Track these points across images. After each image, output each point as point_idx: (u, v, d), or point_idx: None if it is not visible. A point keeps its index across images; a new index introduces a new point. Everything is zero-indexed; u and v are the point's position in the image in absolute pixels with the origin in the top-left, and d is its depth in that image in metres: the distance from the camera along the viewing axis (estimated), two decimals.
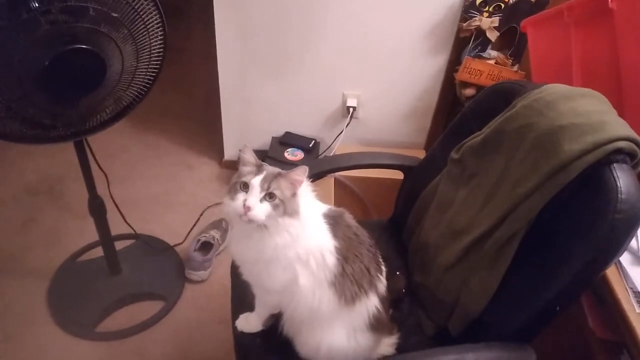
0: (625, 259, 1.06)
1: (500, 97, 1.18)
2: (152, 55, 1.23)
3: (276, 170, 0.97)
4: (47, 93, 1.10)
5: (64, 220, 2.14)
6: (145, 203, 2.25)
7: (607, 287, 1.03)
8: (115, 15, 1.09)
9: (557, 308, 0.93)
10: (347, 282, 1.03)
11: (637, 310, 0.98)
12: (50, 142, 1.23)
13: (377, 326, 1.09)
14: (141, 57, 1.20)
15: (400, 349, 1.17)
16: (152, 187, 2.34)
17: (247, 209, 0.91)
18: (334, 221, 1.05)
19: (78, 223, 2.10)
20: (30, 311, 1.80)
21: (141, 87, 1.28)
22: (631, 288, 1.02)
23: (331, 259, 1.01)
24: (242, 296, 1.25)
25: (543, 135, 0.98)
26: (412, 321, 1.26)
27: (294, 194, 0.96)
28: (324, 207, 1.08)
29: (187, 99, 2.87)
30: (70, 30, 1.06)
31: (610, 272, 1.05)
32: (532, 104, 1.04)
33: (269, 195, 0.93)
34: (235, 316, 1.24)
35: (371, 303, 1.06)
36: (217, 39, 2.02)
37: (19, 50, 1.02)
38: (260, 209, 0.92)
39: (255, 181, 0.92)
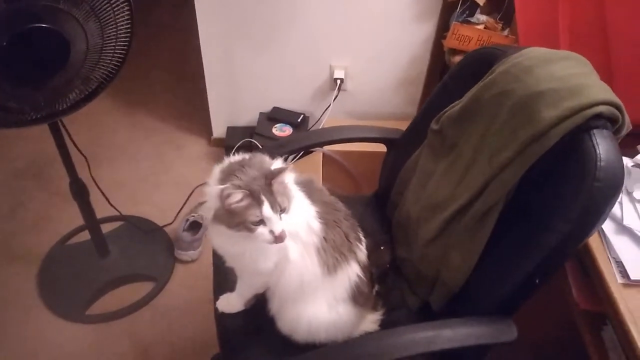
0: (608, 227, 1.03)
1: (481, 63, 1.13)
2: (118, 33, 1.18)
3: (262, 183, 0.90)
4: (8, 75, 1.06)
5: (53, 204, 2.12)
6: (134, 184, 2.23)
7: (589, 257, 1.01)
8: None
9: (537, 281, 0.90)
10: (330, 249, 1.02)
11: (619, 281, 0.96)
12: (19, 126, 1.19)
13: (359, 298, 1.07)
14: (107, 34, 1.16)
15: (384, 323, 1.16)
16: (141, 168, 2.31)
17: (279, 239, 0.91)
18: (306, 188, 1.03)
19: (67, 207, 2.07)
20: (20, 295, 1.80)
21: (111, 66, 1.24)
22: (614, 258, 0.99)
23: (315, 223, 1.01)
24: (224, 277, 1.24)
25: (520, 102, 0.93)
26: (396, 296, 1.24)
27: (286, 190, 0.95)
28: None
29: (174, 77, 2.82)
30: (28, 8, 1.02)
31: (593, 241, 1.02)
32: (509, 69, 0.99)
33: (282, 211, 0.92)
34: (216, 297, 1.22)
35: (352, 271, 1.05)
36: (197, 14, 1.96)
37: None
38: (285, 225, 0.92)
39: (268, 213, 0.89)
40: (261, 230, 0.90)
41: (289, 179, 0.97)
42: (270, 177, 0.91)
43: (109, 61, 1.22)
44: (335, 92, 2.13)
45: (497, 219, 0.98)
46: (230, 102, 2.26)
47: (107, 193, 1.84)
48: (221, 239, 1.00)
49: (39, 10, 1.03)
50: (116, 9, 1.14)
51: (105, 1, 1.11)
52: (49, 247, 1.95)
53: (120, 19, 1.16)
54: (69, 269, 1.86)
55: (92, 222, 1.72)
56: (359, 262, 1.06)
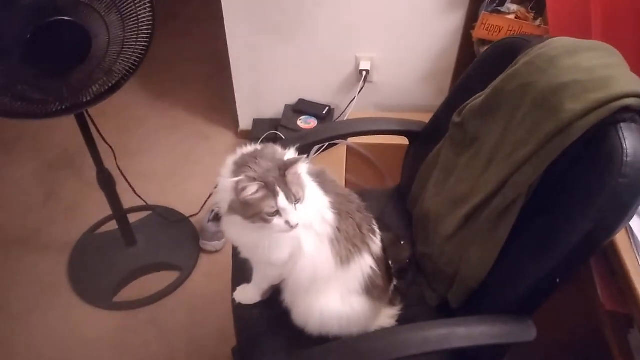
0: (636, 225, 0.98)
1: (505, 54, 1.10)
2: (140, 25, 1.19)
3: (277, 174, 0.90)
4: (33, 67, 1.09)
5: (84, 194, 2.17)
6: (162, 174, 2.26)
7: (616, 256, 0.96)
8: None
9: (557, 280, 0.87)
10: (343, 240, 1.01)
11: None
12: (43, 117, 1.23)
13: (373, 291, 1.06)
14: (128, 26, 1.17)
15: (402, 319, 1.14)
16: (169, 159, 2.35)
17: (294, 226, 0.91)
18: (319, 178, 1.02)
19: (97, 196, 2.09)
20: (52, 282, 1.86)
21: (134, 58, 1.26)
22: None
23: (329, 214, 1.00)
24: (242, 268, 1.24)
25: (543, 94, 0.90)
26: (415, 291, 1.22)
27: (300, 180, 0.94)
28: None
29: (202, 69, 2.84)
30: (51, 2, 1.04)
31: (620, 239, 0.97)
32: (533, 60, 0.95)
33: (297, 201, 0.91)
34: (234, 288, 1.23)
35: (366, 263, 1.03)
36: (223, 6, 1.97)
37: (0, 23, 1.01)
38: (300, 216, 0.91)
39: (283, 203, 0.89)
40: (277, 221, 0.90)
41: (302, 169, 0.96)
42: (284, 167, 0.90)
43: (131, 54, 1.24)
44: (361, 83, 2.11)
45: (519, 215, 0.95)
46: (256, 94, 2.27)
47: (134, 183, 1.87)
48: (235, 230, 0.99)
49: (61, 4, 1.05)
50: (137, 2, 1.15)
51: None
52: (79, 235, 2.01)
53: (142, 12, 1.18)
54: (98, 257, 1.91)
55: (119, 211, 1.76)
56: (372, 255, 1.04)
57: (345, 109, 2.18)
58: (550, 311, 0.96)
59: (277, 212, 0.89)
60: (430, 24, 1.96)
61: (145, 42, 1.24)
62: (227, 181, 0.92)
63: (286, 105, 2.23)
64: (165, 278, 1.87)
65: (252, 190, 0.87)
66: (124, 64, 1.25)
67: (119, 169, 1.74)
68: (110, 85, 1.27)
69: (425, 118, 1.43)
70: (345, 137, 1.37)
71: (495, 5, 1.77)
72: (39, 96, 1.15)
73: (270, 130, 2.18)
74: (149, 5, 1.18)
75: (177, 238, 1.99)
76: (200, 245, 1.96)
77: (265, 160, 0.91)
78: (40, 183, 2.24)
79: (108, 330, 1.73)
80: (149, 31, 1.23)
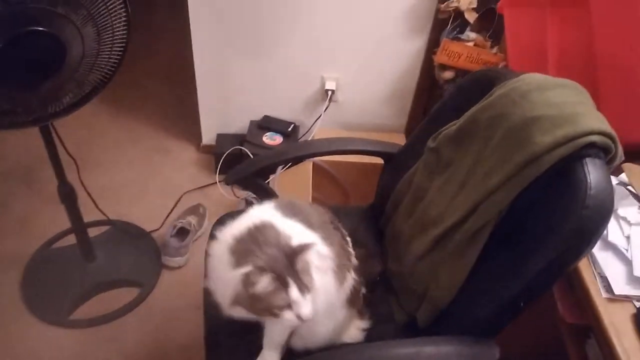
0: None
1: (481, 84, 1.14)
2: (115, 37, 1.18)
3: (283, 258, 0.85)
4: (3, 77, 1.06)
5: (38, 207, 2.09)
6: (122, 188, 2.21)
7: (575, 272, 1.03)
8: None
9: (522, 304, 0.92)
10: (338, 265, 1.01)
11: (603, 295, 0.98)
12: (10, 128, 1.19)
13: (352, 301, 1.08)
14: (103, 39, 1.16)
15: (370, 336, 1.16)
16: (129, 173, 2.30)
17: (306, 319, 0.86)
18: (297, 214, 1.00)
19: (53, 209, 2.05)
20: (3, 299, 1.77)
21: (106, 70, 1.24)
22: (598, 273, 1.02)
23: (324, 249, 1.00)
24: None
25: (516, 126, 0.95)
26: (384, 309, 1.24)
27: (309, 269, 0.90)
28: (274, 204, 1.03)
29: (164, 83, 2.81)
30: (24, 11, 1.02)
31: None
32: (508, 93, 1.01)
33: (308, 291, 0.87)
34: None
35: (351, 276, 1.05)
36: (190, 20, 1.97)
37: None
38: (311, 306, 0.87)
39: (296, 295, 0.84)
40: (288, 315, 0.85)
41: (312, 256, 0.91)
42: (293, 255, 0.86)
43: (104, 66, 1.22)
44: (327, 102, 2.15)
45: (487, 240, 0.99)
46: (220, 110, 2.26)
47: (94, 197, 1.83)
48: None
49: (36, 14, 1.03)
50: (113, 14, 1.14)
51: (103, 6, 1.11)
52: (33, 250, 1.93)
53: (117, 24, 1.17)
54: (54, 273, 1.84)
55: (79, 226, 1.71)
56: (354, 268, 1.06)
57: (311, 127, 2.21)
58: (514, 323, 1.01)
59: (289, 306, 0.85)
60: (393, 48, 2.04)
61: (119, 54, 1.23)
62: (232, 274, 0.83)
63: (251, 121, 2.25)
64: (126, 295, 1.82)
65: (264, 284, 0.81)
66: (96, 75, 1.23)
67: (82, 182, 1.69)
68: (80, 96, 1.25)
69: (387, 137, 1.48)
70: (327, 154, 1.39)
71: (455, 32, 1.85)
72: (7, 106, 1.12)
73: (234, 146, 2.18)
74: (124, 18, 1.18)
75: (138, 254, 1.94)
76: (162, 261, 1.93)
77: (269, 246, 0.86)
78: None
79: (65, 349, 1.66)
80: (122, 44, 1.22)
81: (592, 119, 0.89)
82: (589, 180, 0.83)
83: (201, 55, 2.07)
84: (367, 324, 1.16)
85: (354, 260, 1.08)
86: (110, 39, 1.18)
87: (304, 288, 0.86)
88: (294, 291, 0.84)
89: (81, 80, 1.20)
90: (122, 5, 1.15)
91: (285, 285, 0.84)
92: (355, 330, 1.13)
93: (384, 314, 1.22)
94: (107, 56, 1.21)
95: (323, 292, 0.98)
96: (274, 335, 1.04)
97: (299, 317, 0.85)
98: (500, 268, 0.95)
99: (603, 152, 0.88)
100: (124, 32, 1.20)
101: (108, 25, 1.15)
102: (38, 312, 1.74)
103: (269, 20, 1.98)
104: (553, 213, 0.87)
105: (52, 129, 1.40)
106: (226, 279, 0.85)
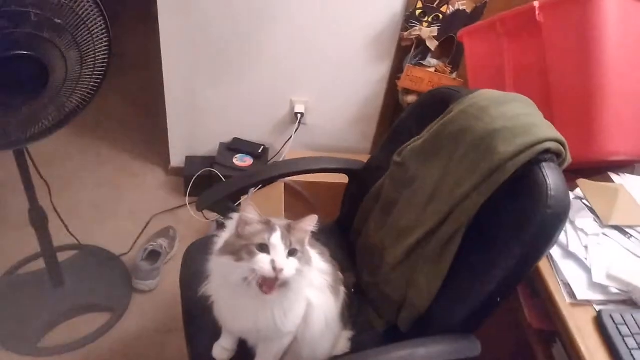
0: (555, 253, 1.14)
1: (438, 101, 1.24)
2: (96, 62, 1.21)
3: (284, 222, 0.94)
4: None
5: (1, 233, 2.04)
6: (89, 212, 2.18)
7: (540, 280, 1.11)
8: (59, 21, 1.07)
9: (498, 299, 0.99)
10: (333, 280, 1.08)
11: (567, 301, 1.06)
12: None
13: (343, 314, 1.14)
14: (85, 63, 1.18)
15: (354, 346, 1.21)
16: (95, 196, 2.28)
17: (279, 270, 0.87)
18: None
19: (15, 235, 2.01)
20: None
21: (85, 93, 1.26)
22: (562, 280, 1.10)
23: (322, 265, 1.05)
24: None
25: (479, 138, 1.04)
26: (363, 319, 1.29)
27: (304, 244, 0.95)
28: None
29: (129, 105, 2.81)
30: (9, 35, 1.04)
31: (543, 265, 1.12)
32: (467, 109, 1.10)
33: (292, 252, 0.90)
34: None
35: (342, 290, 1.12)
36: (161, 44, 2.00)
37: None
38: (291, 266, 0.89)
39: (276, 240, 0.88)
40: (262, 257, 0.87)
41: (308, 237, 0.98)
42: (293, 223, 0.94)
43: (84, 89, 1.24)
44: (296, 125, 2.21)
45: (460, 243, 1.07)
46: (189, 132, 2.29)
47: (57, 222, 1.80)
48: (252, 316, 0.97)
49: (22, 38, 1.04)
50: (96, 40, 1.17)
51: (87, 32, 1.14)
52: None
53: (99, 49, 1.20)
54: (20, 299, 1.79)
55: (49, 250, 1.68)
56: (343, 283, 1.12)
57: (281, 149, 2.26)
58: (483, 331, 1.08)
59: (266, 249, 0.89)
60: (359, 73, 2.13)
61: (99, 78, 1.26)
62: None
63: (221, 144, 2.28)
64: (97, 319, 1.79)
65: (251, 212, 0.90)
66: (76, 99, 1.24)
67: (54, 206, 1.67)
68: (58, 120, 1.26)
69: (354, 158, 1.55)
70: (297, 174, 1.45)
71: (418, 59, 1.97)
72: None
73: (204, 168, 2.20)
74: (106, 44, 1.21)
75: (108, 278, 1.92)
76: (133, 284, 1.91)
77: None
78: None
79: None
80: (103, 69, 1.24)
81: (545, 128, 1.00)
82: (548, 182, 0.93)
83: (171, 78, 2.10)
84: (351, 333, 1.20)
85: (340, 275, 1.13)
86: (92, 63, 1.20)
87: (288, 243, 0.89)
88: (275, 236, 0.88)
89: (62, 104, 1.21)
90: (104, 32, 1.18)
91: (270, 230, 0.89)
92: (343, 340, 1.17)
93: (363, 323, 1.27)
94: (88, 80, 1.23)
95: (323, 308, 1.03)
96: (268, 356, 1.07)
97: (273, 264, 0.87)
98: (474, 268, 1.03)
99: (556, 156, 0.99)
100: (105, 57, 1.22)
101: (91, 50, 1.18)
102: (4, 340, 1.68)
103: (239, 45, 2.04)
104: (518, 213, 0.96)
105: (26, 152, 1.40)
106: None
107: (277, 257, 0.88)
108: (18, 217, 2.02)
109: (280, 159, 2.25)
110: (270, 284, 0.89)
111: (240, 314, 0.99)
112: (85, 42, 1.15)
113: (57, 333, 1.74)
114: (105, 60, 1.23)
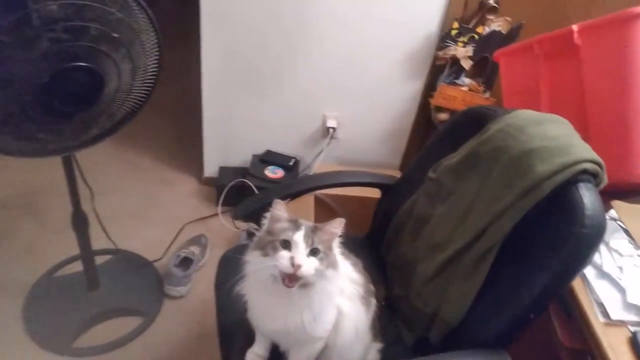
0: (589, 272, 1.15)
1: (474, 120, 1.27)
2: (146, 75, 1.27)
3: (311, 223, 0.97)
4: (46, 108, 1.13)
5: (39, 235, 2.12)
6: (124, 218, 2.25)
7: (574, 299, 1.11)
8: (116, 35, 1.13)
9: (531, 316, 1.00)
10: (365, 291, 1.10)
11: (600, 320, 1.06)
12: (38, 156, 1.25)
13: (374, 325, 1.16)
14: (137, 75, 1.24)
15: (383, 358, 1.23)
16: (130, 203, 2.35)
17: (297, 267, 0.90)
18: None
19: (55, 238, 2.09)
20: (5, 328, 1.77)
21: (134, 103, 1.32)
22: (595, 300, 1.10)
23: (355, 275, 1.08)
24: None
25: (516, 157, 1.06)
26: (392, 332, 1.31)
27: (330, 247, 0.97)
28: None
29: (166, 115, 2.89)
30: (70, 48, 1.10)
31: (577, 285, 1.13)
32: (504, 128, 1.13)
33: (313, 251, 0.92)
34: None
35: (373, 302, 1.15)
36: (202, 57, 2.08)
37: (20, 67, 1.05)
38: (309, 265, 0.91)
39: (298, 237, 0.91)
40: (283, 253, 0.91)
41: (336, 245, 1.01)
42: (320, 225, 0.96)
43: (134, 100, 1.30)
44: (328, 139, 2.25)
45: (494, 259, 1.08)
46: (224, 143, 2.35)
47: (96, 226, 1.86)
48: (280, 314, 0.99)
49: (81, 50, 1.11)
50: (148, 53, 1.23)
51: (140, 47, 1.20)
52: (34, 278, 1.94)
53: (150, 63, 1.26)
54: (57, 301, 1.85)
55: (88, 253, 1.74)
56: (374, 295, 1.15)
57: (312, 162, 2.30)
58: (515, 347, 1.09)
59: (289, 246, 0.92)
60: (393, 90, 2.17)
61: (148, 89, 1.31)
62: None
63: (254, 155, 2.33)
64: (129, 323, 1.84)
65: (279, 209, 0.95)
66: (126, 109, 1.30)
67: (95, 211, 1.74)
68: (108, 128, 1.32)
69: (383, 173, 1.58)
70: (331, 187, 1.48)
71: (452, 77, 1.99)
72: (42, 136, 1.18)
73: (236, 179, 2.26)
74: (156, 57, 1.27)
75: (141, 283, 1.97)
76: (164, 290, 1.96)
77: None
78: None
79: None
80: (152, 81, 1.30)
81: (583, 149, 1.02)
82: (585, 202, 0.94)
83: (209, 90, 2.17)
84: (380, 345, 1.22)
85: (372, 287, 1.16)
86: (143, 75, 1.26)
87: (310, 242, 0.92)
88: (299, 235, 0.92)
89: (112, 113, 1.27)
90: (156, 47, 1.24)
91: (295, 227, 0.93)
92: (373, 352, 1.19)
93: (392, 336, 1.29)
94: (138, 91, 1.29)
95: (353, 317, 1.05)
96: None
97: (292, 260, 0.90)
98: (507, 284, 1.04)
99: (593, 177, 1.00)
100: (155, 69, 1.28)
101: (142, 63, 1.24)
102: (40, 340, 1.74)
103: (275, 61, 2.10)
104: (554, 232, 0.97)
105: (73, 159, 1.46)
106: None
107: (296, 254, 0.91)
108: (58, 220, 2.10)
109: (311, 172, 2.29)
110: (292, 278, 0.92)
111: (271, 313, 1.01)
112: (138, 55, 1.21)
113: (91, 335, 1.79)
114: (155, 72, 1.29)
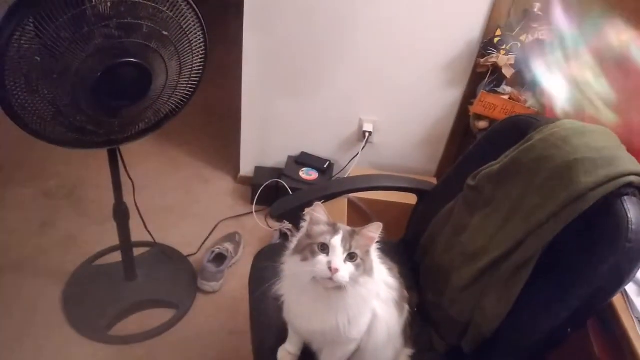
0: (630, 289, 1.12)
1: (516, 128, 1.26)
2: (192, 72, 1.31)
3: (349, 228, 0.97)
4: (97, 101, 1.17)
5: (81, 225, 2.19)
6: (161, 213, 2.30)
7: (614, 315, 1.09)
8: (165, 33, 1.17)
9: (569, 330, 0.98)
10: (399, 297, 1.11)
11: None
12: (88, 148, 1.30)
13: (405, 330, 1.16)
14: (183, 72, 1.28)
15: None
16: (168, 198, 2.40)
17: (334, 270, 0.90)
18: None
19: (95, 228, 2.16)
20: (45, 312, 1.84)
21: (179, 100, 1.36)
22: (637, 317, 1.08)
23: (390, 280, 1.09)
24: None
25: (560, 167, 1.05)
26: (424, 339, 1.30)
27: (367, 252, 0.97)
28: None
29: (205, 114, 2.95)
30: (122, 44, 1.14)
31: (617, 301, 1.10)
32: (548, 137, 1.11)
33: (350, 256, 0.93)
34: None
35: (406, 307, 1.15)
36: (243, 59, 2.11)
37: (75, 61, 1.10)
38: (346, 270, 0.92)
39: (336, 242, 0.92)
40: (321, 257, 0.92)
41: (374, 250, 1.01)
42: (358, 230, 0.97)
43: (179, 96, 1.34)
44: (363, 143, 2.26)
45: (532, 270, 1.07)
46: (260, 143, 2.38)
47: (135, 218, 1.91)
48: (316, 314, 1.00)
49: (132, 47, 1.15)
50: (195, 52, 1.27)
51: (188, 45, 1.24)
52: (74, 266, 2.00)
53: (196, 60, 1.29)
54: (95, 289, 1.91)
55: (127, 244, 1.79)
56: (407, 301, 1.15)
57: (347, 165, 2.31)
58: None
59: (326, 250, 0.93)
60: (432, 96, 2.16)
61: (193, 86, 1.35)
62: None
63: (289, 157, 2.35)
64: (162, 315, 1.88)
65: (319, 212, 0.95)
66: (171, 104, 1.34)
67: (136, 204, 1.79)
68: (153, 123, 1.36)
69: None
70: (368, 190, 1.49)
71: (492, 85, 1.97)
72: (92, 128, 1.23)
73: (271, 178, 2.29)
74: (202, 56, 1.30)
75: (176, 276, 2.02)
76: (198, 284, 1.99)
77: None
78: (38, 210, 2.24)
79: None
80: (197, 78, 1.34)
81: (628, 162, 1.00)
82: (630, 216, 0.92)
83: (249, 92, 2.21)
84: (412, 351, 1.22)
85: (405, 294, 1.15)
86: (189, 73, 1.30)
87: (347, 246, 0.92)
88: (336, 239, 0.92)
89: (158, 109, 1.31)
90: (202, 45, 1.27)
91: (334, 231, 0.94)
92: (404, 358, 1.19)
93: (424, 343, 1.28)
94: (184, 88, 1.32)
95: (387, 321, 1.06)
96: None
97: (329, 264, 0.91)
98: (545, 298, 1.03)
99: (638, 190, 0.98)
100: (201, 68, 1.32)
101: (189, 61, 1.27)
102: (78, 326, 1.80)
103: (314, 64, 2.12)
104: (596, 245, 0.95)
105: (119, 152, 1.51)
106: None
107: (333, 259, 0.91)
108: (99, 211, 2.17)
109: (345, 176, 2.30)
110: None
111: (307, 314, 1.03)
112: (186, 53, 1.25)
113: (127, 324, 1.84)
114: (200, 70, 1.33)
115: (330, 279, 0.91)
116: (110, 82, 1.16)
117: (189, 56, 1.26)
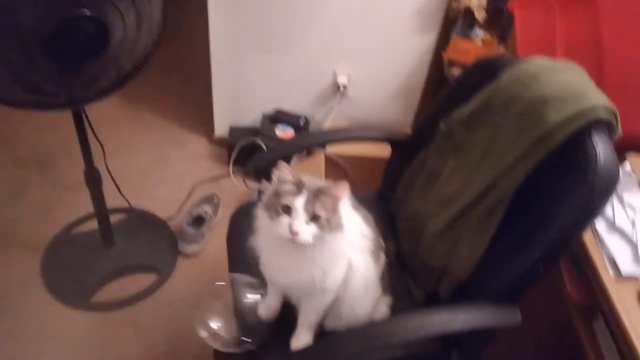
0: (601, 227, 1.14)
1: (486, 70, 1.22)
2: (152, 26, 1.25)
3: (315, 185, 0.94)
4: (52, 59, 1.12)
5: (54, 194, 2.15)
6: (136, 177, 2.26)
7: (585, 254, 1.10)
8: None
9: (541, 268, 0.99)
10: (374, 245, 1.10)
11: (611, 275, 1.06)
12: (49, 109, 1.25)
13: (383, 278, 1.16)
14: (142, 25, 1.22)
15: (393, 313, 1.23)
16: (142, 162, 2.36)
17: (294, 233, 0.90)
18: None
19: (69, 196, 2.12)
20: (24, 283, 1.82)
21: (141, 56, 1.31)
22: (607, 255, 1.09)
23: (365, 228, 1.08)
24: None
25: (529, 105, 1.03)
26: (401, 288, 1.31)
27: (335, 209, 0.95)
28: None
29: (176, 75, 2.87)
30: None
31: (588, 240, 1.12)
32: (517, 76, 1.09)
33: (314, 218, 0.91)
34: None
35: (382, 258, 1.14)
36: (209, 13, 2.03)
37: (24, 15, 1.04)
38: (307, 232, 0.91)
39: (298, 204, 0.90)
40: (283, 219, 0.91)
41: (344, 204, 0.98)
42: (325, 189, 0.93)
43: (140, 52, 1.29)
44: (339, 97, 2.22)
45: (505, 211, 1.07)
46: (233, 103, 2.33)
47: (108, 185, 1.87)
48: (288, 267, 1.01)
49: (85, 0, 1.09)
50: (153, 3, 1.21)
51: None
52: (50, 235, 1.98)
53: (155, 13, 1.23)
54: (74, 257, 1.90)
55: (102, 211, 1.76)
56: (383, 248, 1.14)
57: (323, 120, 2.28)
58: (524, 303, 1.09)
59: (289, 211, 0.91)
60: (404, 44, 2.12)
61: (154, 41, 1.30)
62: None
63: (263, 114, 2.31)
64: (144, 280, 1.87)
65: (284, 172, 0.93)
66: (134, 61, 1.29)
67: (107, 169, 1.75)
68: (115, 81, 1.31)
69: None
70: (341, 142, 1.47)
71: (465, 30, 1.94)
72: (51, 88, 1.18)
73: (246, 138, 2.25)
74: (161, 8, 1.24)
75: (155, 240, 2.00)
76: (178, 248, 1.98)
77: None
78: (8, 181, 2.18)
79: (85, 331, 1.72)
80: (158, 32, 1.28)
81: (596, 96, 0.98)
82: (598, 151, 0.91)
83: (218, 49, 2.14)
84: (390, 300, 1.23)
85: (381, 241, 1.15)
86: (148, 26, 1.24)
87: (310, 208, 0.90)
88: (299, 201, 0.91)
89: (120, 65, 1.26)
90: None
91: (298, 192, 0.91)
92: (383, 306, 1.20)
93: (402, 291, 1.29)
94: (144, 43, 1.27)
95: (362, 270, 1.06)
96: (309, 315, 1.10)
97: (290, 227, 0.90)
98: (518, 237, 1.02)
99: (607, 126, 0.97)
100: (160, 20, 1.26)
101: (147, 13, 1.21)
102: (58, 294, 1.79)
103: (284, 16, 2.05)
104: (566, 181, 0.95)
105: (84, 114, 1.46)
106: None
107: (294, 222, 0.90)
108: (73, 179, 2.12)
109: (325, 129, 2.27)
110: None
111: (282, 267, 1.03)
112: (143, 5, 1.19)
113: (107, 291, 1.84)
114: (160, 24, 1.27)
115: (293, 240, 0.91)
116: (64, 38, 1.10)
117: (147, 8, 1.20)
